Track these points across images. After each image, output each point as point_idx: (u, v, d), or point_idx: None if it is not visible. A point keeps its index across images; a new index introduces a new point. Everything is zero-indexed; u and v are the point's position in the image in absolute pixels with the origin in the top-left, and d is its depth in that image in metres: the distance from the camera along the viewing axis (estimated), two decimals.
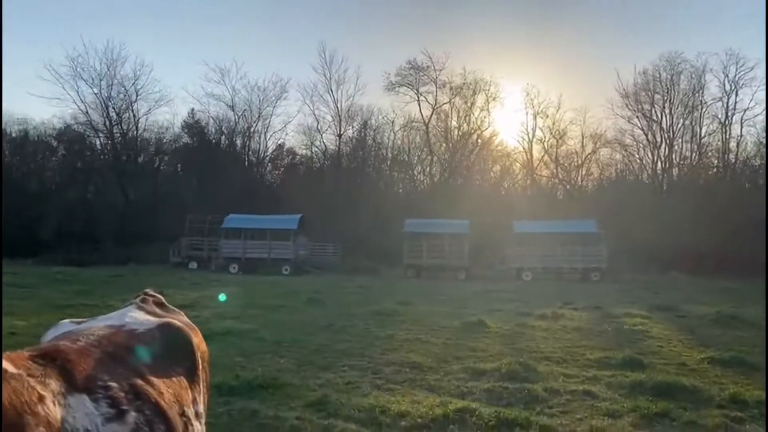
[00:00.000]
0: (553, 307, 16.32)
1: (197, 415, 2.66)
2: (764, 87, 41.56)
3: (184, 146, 49.01)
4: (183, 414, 2.50)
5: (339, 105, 50.36)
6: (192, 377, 2.75)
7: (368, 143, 50.41)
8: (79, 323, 2.73)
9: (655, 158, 47.50)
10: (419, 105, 51.10)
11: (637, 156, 48.83)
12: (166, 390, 2.49)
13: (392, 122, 51.30)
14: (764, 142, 33.80)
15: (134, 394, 2.30)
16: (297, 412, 6.36)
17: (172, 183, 47.08)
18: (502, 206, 40.69)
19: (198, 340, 2.92)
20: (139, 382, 2.37)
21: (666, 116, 47.33)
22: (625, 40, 72.11)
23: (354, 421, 6.11)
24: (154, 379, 2.48)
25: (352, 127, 50.95)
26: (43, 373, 2.07)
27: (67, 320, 2.77)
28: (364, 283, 24.11)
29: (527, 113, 51.51)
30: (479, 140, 50.86)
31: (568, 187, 49.82)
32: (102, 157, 47.02)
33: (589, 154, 49.77)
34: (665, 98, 47.25)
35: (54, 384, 2.06)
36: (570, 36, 76.19)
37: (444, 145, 51.23)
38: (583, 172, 50.50)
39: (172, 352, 2.70)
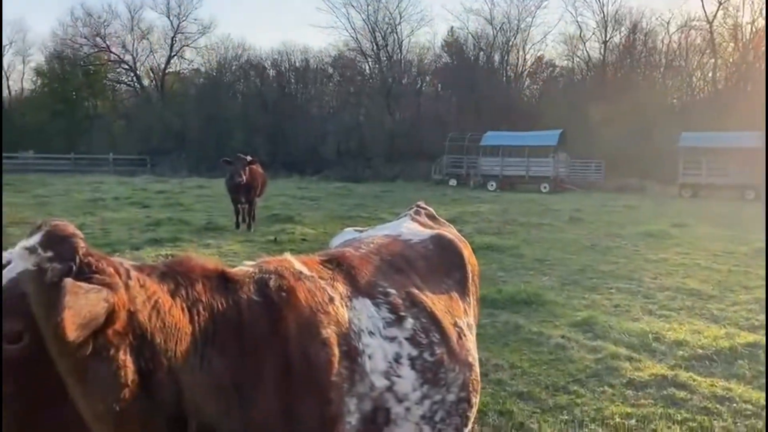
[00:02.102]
0: None
1: (468, 326, 2.65)
2: None
3: (444, 66, 49.80)
4: (455, 324, 2.50)
5: (605, 9, 46.30)
6: (463, 289, 2.74)
7: (638, 49, 45.78)
8: (360, 231, 2.87)
9: None
10: (702, 0, 44.60)
11: None
12: (438, 300, 2.51)
13: (667, 23, 45.69)
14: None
15: (411, 302, 2.34)
16: (562, 331, 6.22)
17: (434, 102, 48.43)
18: None
19: (468, 253, 2.89)
20: (415, 290, 2.41)
21: None
22: None
23: (624, 345, 5.77)
24: (427, 289, 2.50)
25: (620, 32, 46.54)
26: (332, 276, 2.20)
27: (350, 228, 2.93)
28: (631, 203, 22.49)
29: None
30: None
31: None
32: (370, 81, 50.15)
33: None
34: None
35: (341, 287, 2.18)
36: None
37: (731, 45, 44.27)
38: None
39: (445, 263, 2.71)
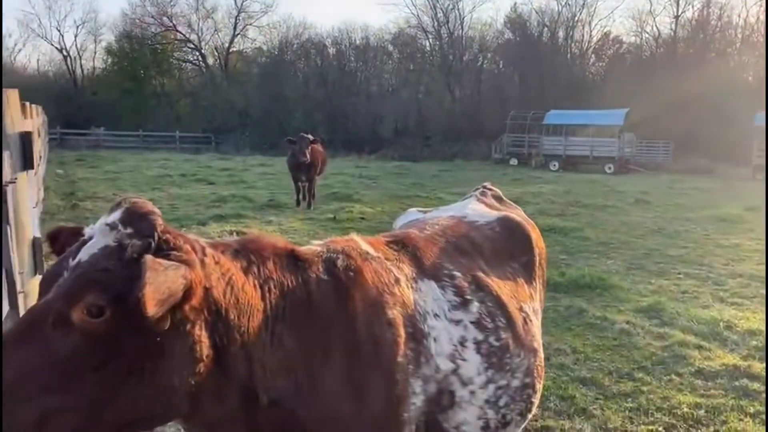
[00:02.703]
0: None
1: (534, 311, 2.61)
2: None
3: (506, 42, 48.75)
4: (521, 309, 2.46)
5: None
6: (529, 273, 2.69)
7: (711, 24, 43.59)
8: (424, 212, 2.84)
9: None
10: None
11: None
12: (504, 284, 2.47)
13: None
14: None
15: (476, 285, 2.32)
16: (627, 316, 6.06)
17: (495, 80, 47.58)
18: None
19: (536, 236, 2.83)
20: (480, 274, 2.38)
21: None
22: None
23: (693, 333, 5.58)
24: (493, 273, 2.46)
25: (692, 6, 44.44)
26: (398, 257, 2.20)
27: (414, 209, 2.91)
28: (701, 185, 21.61)
29: None
30: None
31: None
32: (431, 58, 49.62)
33: None
34: None
35: (407, 268, 2.17)
36: None
37: None
38: None
39: (511, 246, 2.66)
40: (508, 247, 2.63)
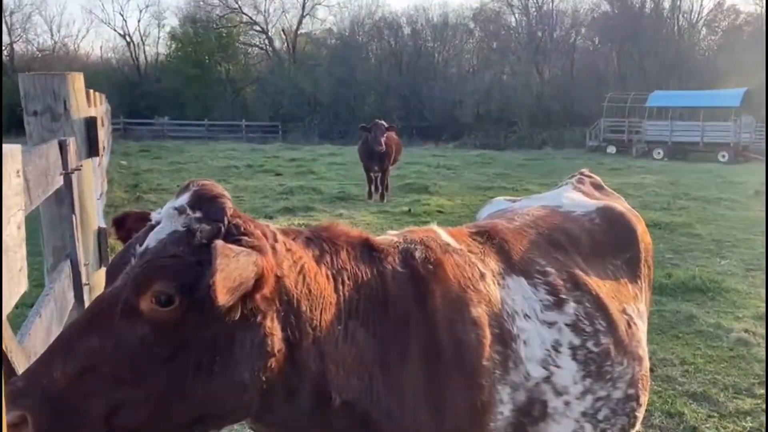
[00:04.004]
0: None
1: (639, 314, 2.52)
2: None
3: (603, 15, 47.33)
4: (624, 311, 2.40)
5: None
6: (634, 271, 2.61)
7: None
8: (513, 201, 2.79)
9: None
10: None
11: None
12: (605, 283, 2.40)
13: None
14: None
15: (573, 284, 2.26)
16: (745, 324, 5.79)
17: (589, 58, 46.33)
18: None
19: (641, 229, 2.74)
20: (577, 270, 2.32)
21: None
22: None
23: None
24: (592, 269, 2.40)
25: None
26: (483, 251, 2.17)
27: (501, 198, 2.87)
28: None
29: None
30: None
31: None
32: (516, 34, 48.86)
33: None
34: None
35: (493, 263, 2.14)
36: None
37: None
38: None
39: (613, 240, 2.58)
40: (610, 241, 2.55)
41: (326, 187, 15.27)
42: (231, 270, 1.38)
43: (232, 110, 44.12)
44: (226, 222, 1.53)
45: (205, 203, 1.55)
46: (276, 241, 1.64)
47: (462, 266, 2.02)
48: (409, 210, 12.12)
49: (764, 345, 5.31)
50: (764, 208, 10.07)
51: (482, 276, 2.04)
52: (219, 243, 1.41)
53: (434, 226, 2.20)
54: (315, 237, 1.82)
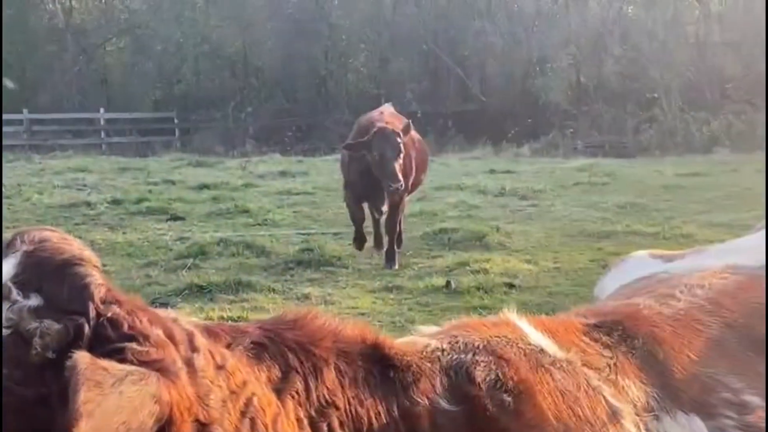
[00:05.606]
0: None
1: None
2: None
3: None
4: None
5: None
6: None
7: None
8: (668, 260, 2.22)
9: None
10: None
11: None
12: None
13: None
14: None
15: None
16: None
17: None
18: None
19: None
20: None
21: None
22: None
23: None
24: None
25: None
26: (613, 363, 1.66)
27: (643, 252, 2.30)
28: None
29: None
30: None
31: None
32: None
33: None
34: None
35: (635, 388, 1.64)
36: None
37: None
38: None
39: None
40: None
41: (274, 241, 10.25)
42: (107, 414, 1.03)
43: (80, 92, 28.74)
44: (92, 314, 1.13)
45: (48, 278, 1.15)
46: (194, 350, 1.21)
47: (574, 395, 1.53)
48: (448, 283, 8.01)
49: None
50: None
51: (615, 415, 1.55)
52: (82, 359, 1.04)
53: (510, 314, 1.71)
54: (272, 342, 1.35)
